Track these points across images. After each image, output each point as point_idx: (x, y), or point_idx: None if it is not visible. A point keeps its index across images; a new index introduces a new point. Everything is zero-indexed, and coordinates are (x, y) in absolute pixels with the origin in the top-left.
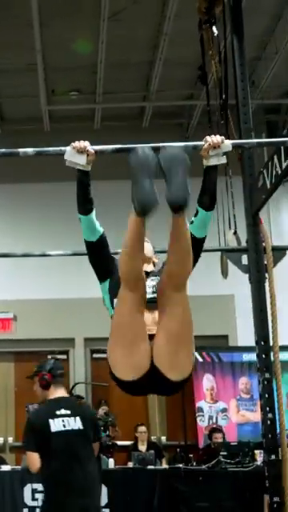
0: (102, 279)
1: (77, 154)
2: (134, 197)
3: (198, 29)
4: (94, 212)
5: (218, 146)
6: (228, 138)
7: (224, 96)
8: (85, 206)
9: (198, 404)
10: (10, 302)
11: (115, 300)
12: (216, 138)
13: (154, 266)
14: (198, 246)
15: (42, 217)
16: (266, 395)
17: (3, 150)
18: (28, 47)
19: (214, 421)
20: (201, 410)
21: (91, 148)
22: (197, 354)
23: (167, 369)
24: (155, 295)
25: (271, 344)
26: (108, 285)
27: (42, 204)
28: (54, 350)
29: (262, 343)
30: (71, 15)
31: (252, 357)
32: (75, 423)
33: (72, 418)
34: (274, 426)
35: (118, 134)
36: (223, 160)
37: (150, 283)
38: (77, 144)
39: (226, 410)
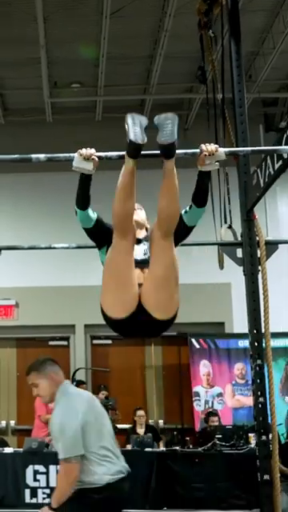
0: (100, 246)
1: (84, 160)
2: (126, 140)
3: (197, 29)
4: (89, 210)
5: (212, 153)
6: (224, 138)
7: (221, 96)
8: (83, 202)
9: (195, 389)
10: (12, 289)
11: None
12: (210, 147)
13: (147, 231)
14: (185, 232)
15: (46, 207)
16: (258, 380)
17: (16, 155)
18: (32, 41)
19: (210, 405)
20: (197, 394)
21: (97, 155)
22: (194, 341)
23: (153, 308)
24: (146, 257)
25: (263, 332)
26: (106, 248)
27: (45, 194)
28: (55, 336)
29: (255, 331)
30: (74, 11)
31: (247, 343)
32: None
33: None
34: (264, 409)
35: (119, 125)
36: (216, 166)
37: (142, 247)
38: (84, 151)
39: (222, 394)
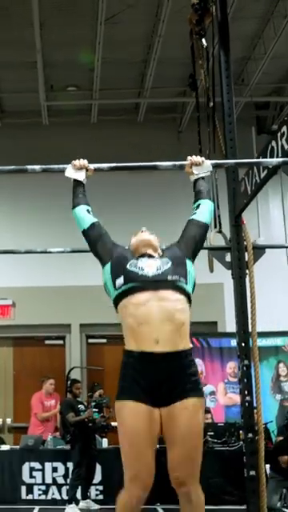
0: (103, 264)
1: (77, 170)
2: None
3: (189, 38)
4: (80, 207)
5: (198, 163)
6: (214, 147)
7: (212, 104)
8: (73, 201)
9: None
10: (9, 289)
11: (117, 281)
12: (197, 158)
13: (159, 254)
14: (203, 230)
15: (42, 210)
16: (245, 380)
17: (13, 167)
18: (28, 45)
19: None
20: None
21: (89, 166)
22: None
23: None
24: (160, 272)
25: (251, 333)
26: (109, 267)
27: (42, 195)
28: (51, 335)
29: (242, 332)
30: (70, 16)
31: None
32: None
33: None
34: (251, 407)
35: (114, 127)
36: (207, 173)
37: (153, 262)
38: (76, 162)
39: (215, 392)
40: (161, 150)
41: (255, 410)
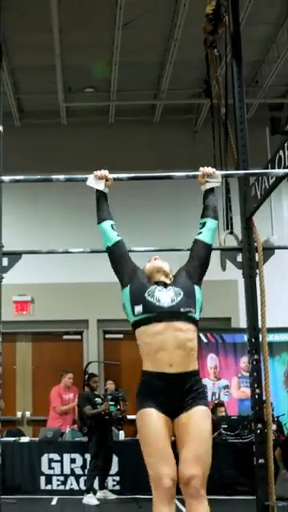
0: (123, 285)
1: (97, 180)
2: None
3: (204, 46)
4: (106, 222)
5: (210, 174)
6: (226, 153)
7: (224, 112)
8: (98, 216)
9: (203, 381)
10: (28, 285)
11: (136, 307)
12: (208, 169)
13: (170, 279)
14: (208, 251)
15: (63, 209)
16: (255, 373)
17: (39, 176)
18: (48, 49)
19: (217, 397)
20: (205, 386)
21: (110, 176)
22: (202, 335)
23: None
24: (174, 303)
25: (261, 329)
26: (129, 291)
27: (63, 195)
28: (69, 330)
29: (252, 329)
30: (88, 21)
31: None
32: None
33: None
34: (260, 400)
35: (131, 128)
36: (217, 184)
37: (168, 293)
38: (98, 173)
39: (228, 386)
40: (177, 150)
41: (265, 404)
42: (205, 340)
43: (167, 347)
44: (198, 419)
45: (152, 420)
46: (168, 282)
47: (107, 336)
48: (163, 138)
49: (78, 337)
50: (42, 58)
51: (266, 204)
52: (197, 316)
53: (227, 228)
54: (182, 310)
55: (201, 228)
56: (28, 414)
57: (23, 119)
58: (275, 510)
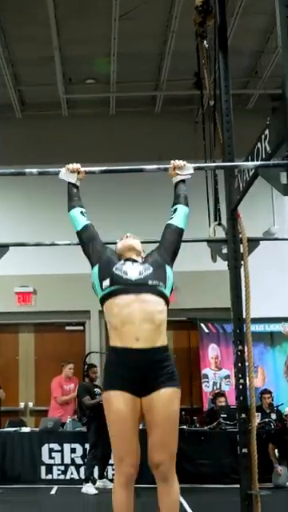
0: (92, 265)
1: (70, 173)
2: None
3: (195, 38)
4: (75, 209)
5: (180, 167)
6: (215, 142)
7: (213, 103)
8: (69, 205)
9: (204, 371)
10: (30, 276)
11: (104, 282)
12: (179, 162)
13: (142, 258)
14: (179, 235)
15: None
16: (239, 364)
17: (12, 170)
18: (46, 41)
19: (218, 386)
20: (206, 376)
21: (82, 169)
22: (203, 325)
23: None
24: (142, 277)
25: (245, 320)
26: (98, 269)
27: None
28: (71, 321)
29: (237, 319)
30: (85, 12)
31: (253, 327)
32: None
33: None
34: (244, 390)
35: (132, 119)
36: (188, 176)
37: (137, 268)
38: (70, 166)
39: (229, 376)
40: (178, 140)
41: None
42: (206, 330)
43: (134, 320)
44: (165, 402)
45: (118, 406)
46: (139, 260)
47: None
48: (164, 129)
49: (81, 327)
50: (41, 50)
51: (268, 195)
52: (167, 292)
53: (215, 219)
54: (150, 282)
55: (172, 214)
56: (31, 404)
57: (24, 111)
58: (258, 498)
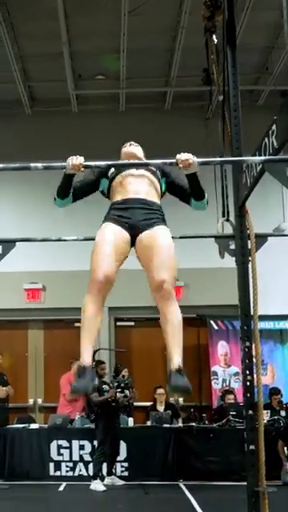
0: (96, 183)
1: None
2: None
3: (203, 33)
4: (67, 199)
5: (185, 165)
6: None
7: (222, 98)
8: (64, 194)
9: (213, 368)
10: (40, 273)
11: (109, 172)
12: (184, 156)
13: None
14: (182, 191)
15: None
16: (247, 360)
17: (17, 164)
18: (55, 37)
19: (227, 383)
20: (215, 373)
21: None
22: (212, 322)
23: None
24: (141, 169)
25: (253, 317)
26: (99, 175)
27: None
28: (80, 318)
29: (244, 316)
30: (94, 8)
31: (263, 325)
32: None
33: None
34: (252, 387)
35: (142, 115)
36: (195, 169)
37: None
38: (74, 161)
39: (239, 373)
40: (188, 137)
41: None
42: (215, 327)
43: (136, 182)
44: (160, 235)
45: (106, 230)
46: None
47: (118, 323)
48: (174, 125)
49: None
50: (51, 46)
51: (278, 191)
52: (162, 183)
53: (223, 215)
54: (150, 170)
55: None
56: (40, 400)
57: (34, 107)
58: (265, 495)
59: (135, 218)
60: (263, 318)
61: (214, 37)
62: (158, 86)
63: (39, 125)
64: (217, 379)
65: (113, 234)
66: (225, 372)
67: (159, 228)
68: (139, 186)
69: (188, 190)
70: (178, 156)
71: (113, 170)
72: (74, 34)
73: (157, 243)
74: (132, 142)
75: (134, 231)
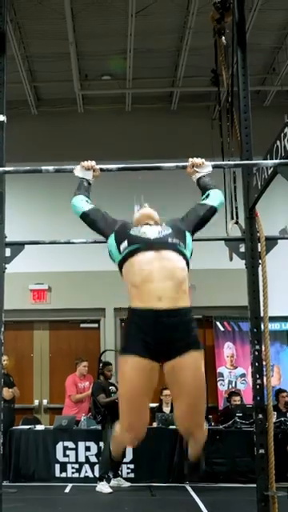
0: (107, 236)
1: (85, 170)
2: None
3: (212, 35)
4: (79, 197)
5: (199, 165)
6: (231, 139)
7: (230, 99)
8: (75, 192)
9: (219, 369)
10: (45, 274)
11: (121, 245)
12: (198, 160)
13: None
14: (210, 212)
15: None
16: (257, 363)
17: (28, 167)
18: (62, 37)
19: (234, 385)
20: (221, 375)
21: (97, 167)
22: (219, 324)
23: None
24: (160, 236)
25: (263, 319)
26: (114, 237)
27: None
28: (86, 319)
29: (254, 318)
30: (101, 8)
31: (269, 326)
32: None
33: None
34: (262, 390)
35: (149, 115)
36: (206, 172)
37: (155, 228)
38: (85, 163)
39: (245, 375)
40: (195, 137)
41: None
42: (221, 328)
43: (155, 277)
44: (193, 367)
45: (132, 373)
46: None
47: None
48: (181, 125)
49: (95, 325)
50: (57, 46)
51: (284, 193)
52: (187, 253)
53: (232, 218)
54: (169, 240)
55: (205, 199)
56: (45, 401)
57: (40, 107)
58: (276, 499)
59: (163, 344)
60: (269, 319)
61: (223, 38)
62: (165, 87)
63: (45, 125)
64: (223, 380)
65: (141, 377)
66: (231, 373)
67: (190, 356)
68: (162, 284)
69: (201, 213)
70: (191, 159)
71: (126, 243)
72: (80, 35)
73: (188, 382)
74: (146, 204)
75: (162, 357)
